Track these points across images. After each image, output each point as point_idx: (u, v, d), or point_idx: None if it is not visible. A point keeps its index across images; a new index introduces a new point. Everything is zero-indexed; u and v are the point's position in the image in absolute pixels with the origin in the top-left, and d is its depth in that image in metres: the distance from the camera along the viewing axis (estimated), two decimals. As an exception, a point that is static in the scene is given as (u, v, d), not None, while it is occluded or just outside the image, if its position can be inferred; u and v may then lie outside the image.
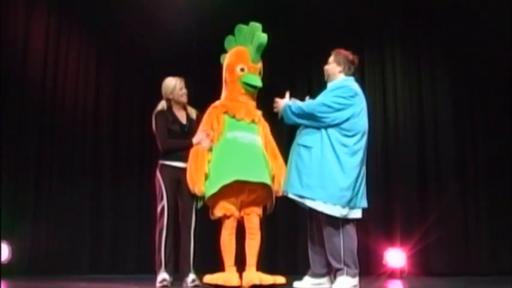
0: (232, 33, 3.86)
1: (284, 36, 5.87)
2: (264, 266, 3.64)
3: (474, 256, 5.31)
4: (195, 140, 3.72)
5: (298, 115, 3.49)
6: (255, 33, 3.69)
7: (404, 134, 5.63)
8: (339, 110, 3.41)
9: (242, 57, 3.75)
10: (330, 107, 3.41)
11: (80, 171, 5.73)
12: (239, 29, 3.85)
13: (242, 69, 3.73)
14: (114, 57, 6.04)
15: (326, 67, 3.60)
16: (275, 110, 3.62)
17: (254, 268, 3.57)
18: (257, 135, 3.71)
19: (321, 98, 3.49)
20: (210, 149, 3.66)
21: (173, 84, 3.90)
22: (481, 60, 5.43)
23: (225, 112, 3.71)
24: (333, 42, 5.39)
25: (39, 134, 5.56)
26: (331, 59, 3.58)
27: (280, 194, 3.63)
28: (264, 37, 3.65)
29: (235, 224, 3.64)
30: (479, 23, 5.37)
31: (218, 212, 3.61)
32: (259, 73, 3.77)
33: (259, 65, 3.77)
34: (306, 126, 3.52)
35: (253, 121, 3.70)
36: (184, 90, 3.93)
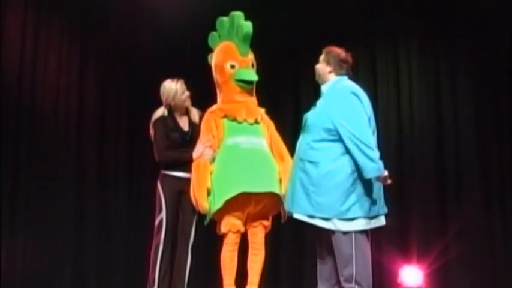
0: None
1: (288, 29, 6.08)
2: (266, 284, 3.71)
3: (501, 274, 5.22)
4: (195, 154, 3.75)
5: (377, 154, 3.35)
6: (238, 24, 3.73)
7: (421, 139, 5.61)
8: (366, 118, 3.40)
9: (229, 52, 3.77)
10: (365, 125, 3.38)
11: (61, 181, 5.68)
12: (220, 22, 3.90)
13: (232, 66, 3.75)
14: (100, 54, 6.02)
15: (316, 66, 3.63)
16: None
17: (256, 287, 3.62)
18: (261, 137, 3.72)
19: (342, 120, 3.37)
20: (213, 159, 3.69)
21: (174, 89, 3.90)
22: (506, 55, 5.43)
23: (224, 116, 3.73)
24: (341, 36, 5.64)
25: (16, 140, 5.51)
26: (321, 57, 3.61)
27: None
28: (247, 26, 3.68)
29: (239, 239, 3.69)
30: (503, 16, 5.39)
31: (223, 227, 3.65)
32: (252, 66, 3.80)
33: (250, 57, 3.80)
34: (310, 139, 3.45)
35: (256, 121, 3.72)
36: (187, 93, 3.95)
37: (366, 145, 3.29)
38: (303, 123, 3.55)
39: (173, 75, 4.02)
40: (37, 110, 5.60)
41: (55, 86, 5.71)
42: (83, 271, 5.71)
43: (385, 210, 3.48)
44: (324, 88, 3.58)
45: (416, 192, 5.51)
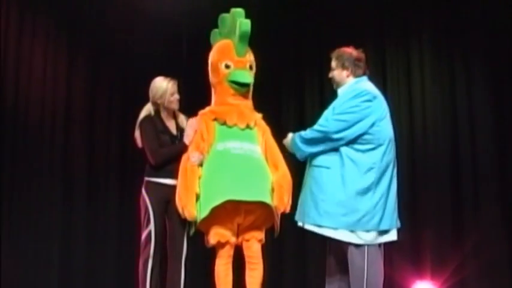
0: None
1: (293, 27, 6.08)
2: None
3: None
4: (186, 138, 3.72)
5: (311, 141, 3.47)
6: (237, 21, 3.69)
7: (435, 145, 5.56)
8: (357, 122, 3.40)
9: (225, 51, 3.74)
10: (345, 121, 3.40)
11: (47, 189, 5.63)
12: (222, 19, 3.86)
13: (227, 66, 3.71)
14: (89, 52, 5.97)
15: (331, 75, 3.62)
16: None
17: (256, 304, 3.59)
18: (254, 143, 3.68)
19: (332, 112, 3.47)
20: (201, 164, 3.64)
21: (164, 88, 3.87)
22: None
23: (215, 119, 3.70)
24: (347, 34, 5.61)
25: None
26: (334, 63, 3.59)
27: (282, 211, 3.59)
28: (245, 24, 3.63)
29: (232, 251, 3.65)
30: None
31: (212, 238, 3.61)
32: (250, 67, 3.76)
33: (249, 57, 3.76)
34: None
35: (248, 126, 3.68)
36: (177, 96, 3.92)
37: (316, 128, 3.43)
38: None
39: (168, 74, 4.00)
40: (20, 110, 5.53)
41: (40, 85, 5.66)
42: (69, 286, 5.66)
43: (398, 224, 3.48)
44: (340, 91, 3.58)
45: (430, 203, 5.46)
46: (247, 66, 3.75)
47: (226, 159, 3.59)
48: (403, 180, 5.30)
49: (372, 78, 5.35)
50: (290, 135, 3.61)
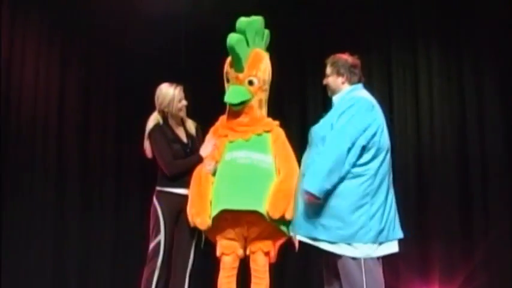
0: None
1: (295, 29, 6.00)
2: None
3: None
4: (203, 151, 3.76)
5: (330, 173, 3.26)
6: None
7: (443, 151, 5.52)
8: (362, 133, 3.32)
9: (228, 65, 3.80)
10: (349, 135, 3.29)
11: (38, 198, 5.57)
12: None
13: (228, 81, 3.80)
14: (83, 54, 5.94)
15: (325, 81, 3.59)
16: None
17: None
18: (265, 152, 3.70)
19: (331, 128, 3.35)
20: (214, 173, 3.69)
21: (171, 95, 3.86)
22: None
23: (220, 135, 3.79)
24: (351, 38, 5.61)
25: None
26: (329, 70, 3.56)
27: (277, 217, 3.54)
28: (230, 39, 3.63)
29: (237, 264, 3.68)
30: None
31: (217, 250, 3.67)
32: (250, 82, 3.75)
33: (249, 72, 3.75)
34: (314, 153, 3.40)
35: (249, 139, 3.70)
36: (184, 103, 3.93)
37: (338, 159, 3.23)
38: (309, 137, 3.52)
39: (165, 79, 3.99)
40: (12, 114, 5.50)
41: (32, 89, 5.62)
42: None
43: (399, 235, 3.44)
44: (335, 98, 3.55)
45: (438, 213, 5.41)
46: (245, 82, 3.74)
47: (230, 168, 3.63)
48: (410, 187, 5.47)
49: (376, 84, 5.44)
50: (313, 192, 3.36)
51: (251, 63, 3.75)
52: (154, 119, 3.90)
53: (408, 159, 5.51)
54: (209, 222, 3.54)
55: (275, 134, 3.77)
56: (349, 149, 3.27)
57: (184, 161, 3.83)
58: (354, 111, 3.36)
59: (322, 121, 3.50)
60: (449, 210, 5.41)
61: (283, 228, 3.58)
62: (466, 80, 5.50)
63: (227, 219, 3.53)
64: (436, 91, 5.59)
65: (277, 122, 3.87)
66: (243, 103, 3.73)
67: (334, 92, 3.56)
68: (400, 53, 5.77)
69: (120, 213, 5.90)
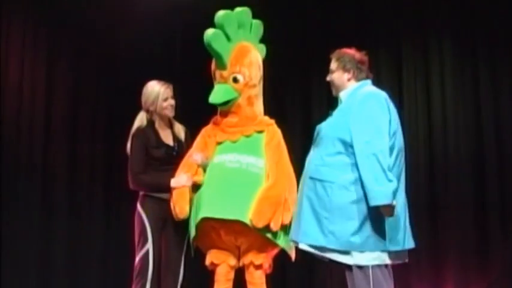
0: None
1: (298, 28, 6.03)
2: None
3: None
4: (174, 182, 3.63)
5: (385, 174, 3.12)
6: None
7: (457, 155, 5.43)
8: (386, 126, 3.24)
9: (213, 63, 3.79)
10: (379, 129, 3.19)
11: (23, 206, 5.45)
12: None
13: (214, 79, 3.79)
14: (71, 54, 5.86)
15: (329, 78, 3.49)
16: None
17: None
18: (255, 155, 3.64)
19: (357, 127, 3.21)
20: (204, 169, 3.65)
21: (156, 93, 3.78)
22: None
23: (209, 136, 3.77)
24: (359, 36, 5.57)
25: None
26: (334, 65, 3.47)
27: (261, 226, 3.46)
28: (205, 35, 3.60)
29: (231, 275, 3.62)
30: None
31: (206, 260, 3.64)
32: (234, 80, 3.71)
33: (232, 69, 3.71)
34: (323, 153, 3.33)
35: (237, 140, 3.66)
36: (171, 102, 3.83)
37: (379, 162, 3.11)
38: (315, 135, 3.43)
39: (160, 78, 3.92)
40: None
41: (17, 91, 5.52)
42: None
43: (410, 244, 3.35)
44: (343, 95, 3.44)
45: (452, 222, 5.33)
46: (230, 79, 3.71)
47: (218, 173, 3.59)
48: (421, 194, 5.46)
49: (386, 84, 5.48)
50: (393, 200, 3.21)
51: (234, 58, 3.69)
52: (139, 119, 3.83)
53: (419, 165, 5.41)
54: (187, 210, 3.51)
55: (269, 135, 3.72)
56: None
57: (151, 179, 3.72)
58: (368, 107, 3.25)
59: (330, 120, 3.40)
60: (463, 219, 5.32)
61: (272, 238, 3.50)
62: (482, 80, 5.40)
63: (214, 227, 3.49)
64: (449, 92, 5.51)
65: (272, 121, 3.80)
66: (227, 102, 3.68)
67: (338, 90, 3.45)
68: (410, 51, 5.69)
69: (110, 217, 5.85)
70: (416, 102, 5.59)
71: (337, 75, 3.42)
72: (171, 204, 3.59)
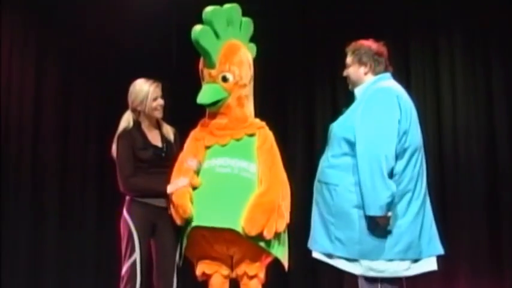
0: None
1: (300, 24, 5.96)
2: None
3: None
4: (170, 188, 3.55)
5: (385, 180, 3.08)
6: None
7: (468, 156, 5.40)
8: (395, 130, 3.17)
9: (201, 62, 3.72)
10: (387, 136, 3.12)
11: (12, 209, 5.42)
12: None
13: (202, 79, 3.73)
14: (61, 52, 5.80)
15: (346, 72, 3.44)
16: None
17: None
18: (247, 159, 3.56)
19: (361, 127, 3.16)
20: (198, 172, 3.59)
21: (144, 92, 3.68)
22: None
23: (197, 139, 3.72)
24: (365, 31, 5.35)
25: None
26: (349, 59, 3.42)
27: (254, 234, 3.36)
28: (193, 31, 3.53)
29: (226, 286, 3.59)
30: None
31: (197, 270, 3.60)
32: (223, 79, 3.64)
33: (221, 68, 3.63)
34: (330, 154, 3.32)
35: (227, 144, 3.58)
36: (160, 102, 3.73)
37: (379, 167, 3.06)
38: (329, 135, 3.41)
39: (153, 77, 3.81)
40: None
41: (5, 91, 5.48)
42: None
43: (438, 250, 3.28)
44: (357, 91, 3.39)
45: (463, 228, 5.30)
46: (219, 78, 3.63)
47: (208, 179, 3.52)
48: (430, 200, 5.18)
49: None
50: (387, 212, 3.17)
51: (223, 57, 3.60)
52: (125, 119, 3.72)
53: (428, 165, 5.21)
54: (191, 208, 3.40)
55: (261, 138, 3.64)
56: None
57: (144, 183, 3.62)
58: (374, 111, 3.18)
59: (341, 119, 3.36)
60: (475, 224, 5.28)
61: (265, 246, 3.41)
62: (494, 78, 5.35)
63: (205, 236, 3.44)
64: (459, 90, 5.47)
65: (263, 123, 3.72)
66: (217, 103, 3.60)
67: (355, 84, 3.39)
68: (419, 50, 5.65)
69: (103, 218, 5.70)
70: (425, 101, 5.53)
71: (353, 70, 3.36)
72: (172, 209, 3.51)
